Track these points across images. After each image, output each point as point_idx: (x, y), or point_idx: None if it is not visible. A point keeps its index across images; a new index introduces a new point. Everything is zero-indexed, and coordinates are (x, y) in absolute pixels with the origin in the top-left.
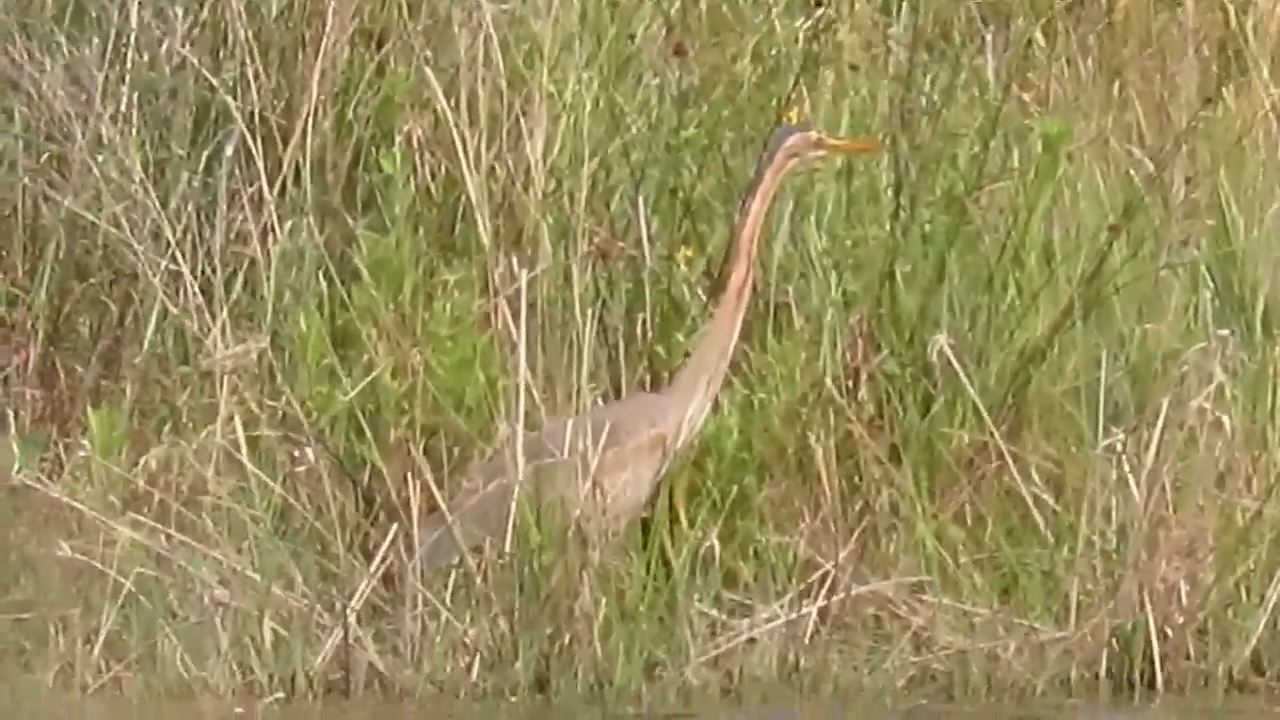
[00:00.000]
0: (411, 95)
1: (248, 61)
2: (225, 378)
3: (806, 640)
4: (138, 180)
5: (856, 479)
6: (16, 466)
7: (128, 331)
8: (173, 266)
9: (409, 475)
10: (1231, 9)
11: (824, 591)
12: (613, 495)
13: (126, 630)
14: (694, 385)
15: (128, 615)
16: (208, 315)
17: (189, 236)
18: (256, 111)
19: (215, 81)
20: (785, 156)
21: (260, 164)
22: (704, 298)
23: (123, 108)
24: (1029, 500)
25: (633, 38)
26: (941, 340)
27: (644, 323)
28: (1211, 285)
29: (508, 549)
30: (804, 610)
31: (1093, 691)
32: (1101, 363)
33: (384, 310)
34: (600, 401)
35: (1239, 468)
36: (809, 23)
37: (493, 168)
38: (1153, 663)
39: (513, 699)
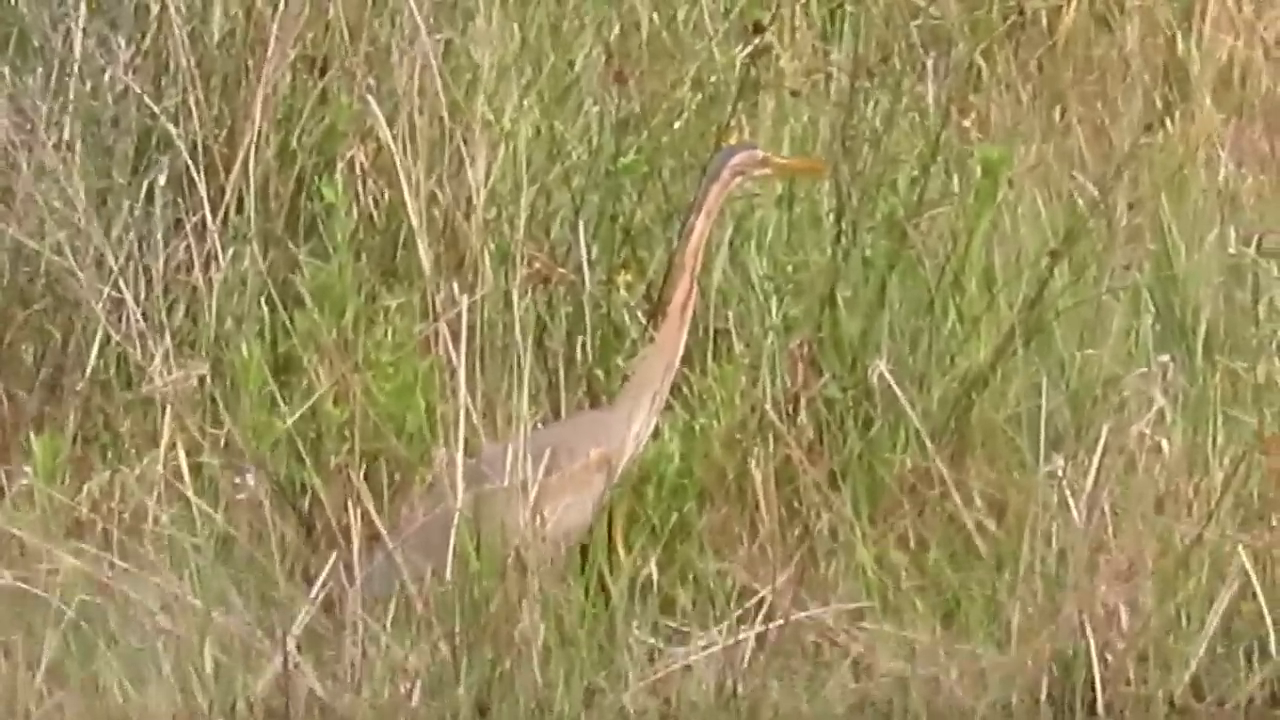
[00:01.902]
0: (353, 123)
1: (190, 89)
2: (167, 405)
3: (745, 666)
4: (80, 208)
5: (796, 504)
6: None
7: (70, 358)
8: (115, 294)
9: (349, 501)
10: (1174, 34)
11: (762, 617)
12: (557, 518)
13: (68, 657)
14: (639, 402)
15: (69, 642)
16: (150, 342)
17: (131, 264)
18: (199, 139)
19: (157, 109)
20: (730, 174)
21: (203, 191)
22: (644, 322)
23: (66, 136)
24: (970, 525)
25: (572, 65)
26: (881, 365)
27: (584, 347)
28: (1153, 310)
29: (448, 575)
30: (742, 636)
31: (1034, 716)
32: (1042, 388)
33: (326, 336)
34: (542, 424)
35: (1179, 492)
36: (749, 49)
37: (434, 194)
38: (1094, 687)
39: None
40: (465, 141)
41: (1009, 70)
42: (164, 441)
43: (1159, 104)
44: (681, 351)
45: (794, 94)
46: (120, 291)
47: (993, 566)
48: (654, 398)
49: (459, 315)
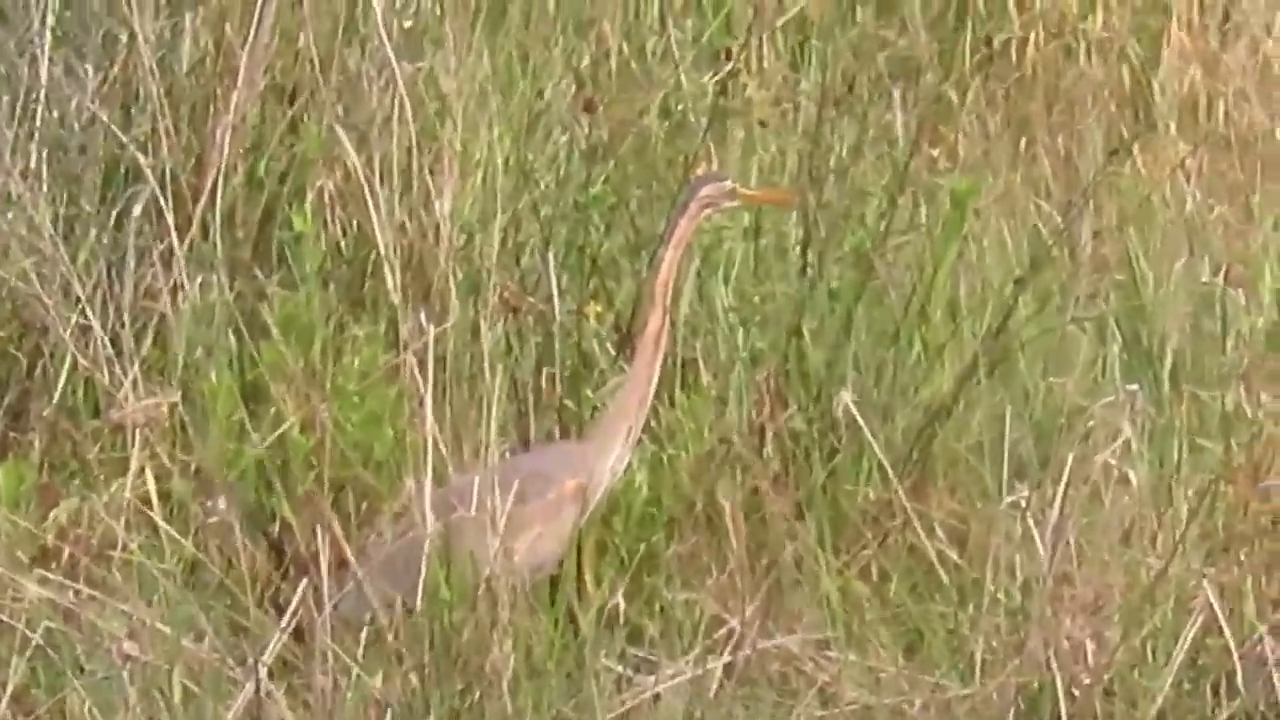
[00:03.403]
0: (322, 152)
1: (158, 118)
2: (136, 431)
3: (712, 696)
4: (47, 236)
5: (763, 535)
6: None
7: (37, 385)
8: (83, 321)
9: (318, 529)
10: (1141, 65)
11: (730, 647)
12: (529, 548)
13: (35, 684)
14: (615, 433)
15: (36, 669)
16: (118, 369)
17: (99, 291)
18: (167, 168)
19: (125, 138)
20: (699, 205)
21: (170, 220)
22: (612, 352)
23: (32, 164)
24: (934, 556)
25: (542, 94)
26: (846, 397)
27: (553, 377)
28: (1119, 340)
29: (418, 605)
30: (709, 666)
31: None
32: (1007, 418)
33: (294, 365)
34: (512, 453)
35: (1144, 524)
36: (717, 78)
37: (403, 224)
38: None
39: None
40: (433, 171)
41: (977, 101)
42: (132, 468)
43: (1125, 134)
44: (655, 384)
45: (762, 124)
46: (88, 319)
47: (956, 598)
48: (629, 430)
49: (427, 345)
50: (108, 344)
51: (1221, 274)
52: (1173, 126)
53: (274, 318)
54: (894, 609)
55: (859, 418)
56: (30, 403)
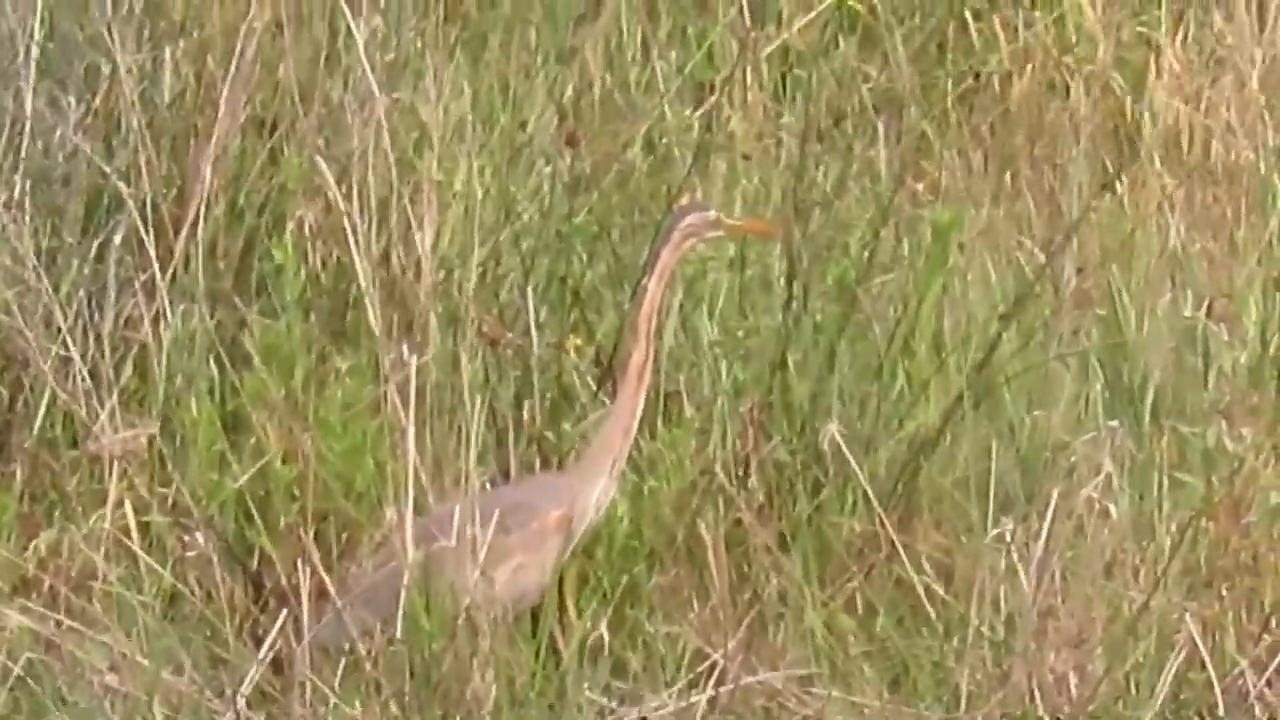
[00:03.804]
0: (303, 183)
1: (140, 149)
2: (115, 463)
3: None
4: (30, 266)
5: (746, 568)
6: None
7: (17, 416)
8: (63, 352)
9: (298, 561)
10: (1126, 100)
11: (713, 681)
12: (512, 578)
13: (16, 714)
14: (600, 466)
15: (17, 699)
16: (97, 400)
17: (80, 322)
18: (148, 199)
19: (108, 169)
20: (682, 236)
21: (152, 250)
22: (593, 385)
23: (15, 195)
24: (919, 590)
25: (524, 126)
26: (833, 429)
27: (533, 409)
28: (1102, 376)
29: (398, 635)
30: (693, 699)
31: None
32: (991, 452)
33: (275, 396)
34: (494, 483)
35: (1127, 558)
36: (700, 111)
37: (383, 256)
38: None
39: None
40: (414, 203)
41: (961, 135)
42: (112, 500)
43: (1110, 168)
44: (639, 417)
45: (745, 157)
46: (68, 350)
47: (941, 631)
48: (614, 463)
49: (408, 376)
50: (87, 376)
51: (1204, 308)
52: (1157, 161)
53: (255, 347)
54: (879, 643)
55: (845, 450)
56: (11, 434)
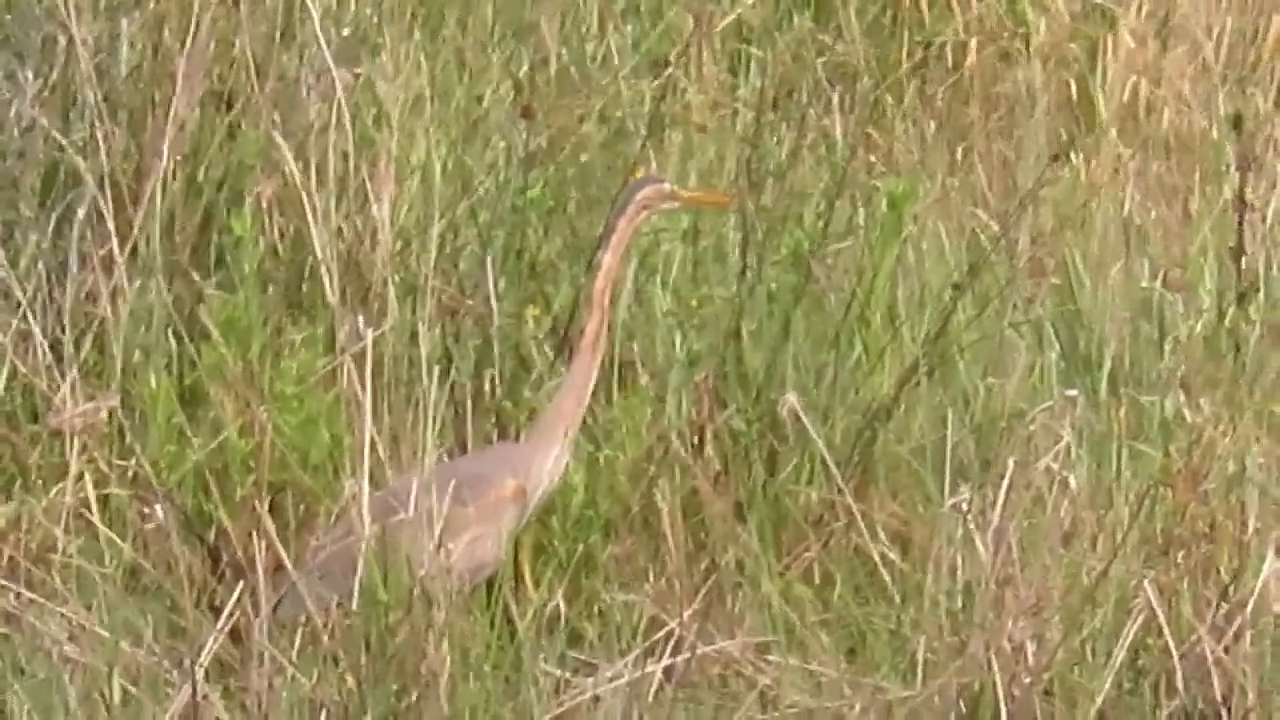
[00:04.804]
0: (260, 157)
1: (97, 123)
2: (75, 436)
3: (651, 699)
4: None
5: (703, 536)
6: None
7: None
8: (23, 326)
9: (255, 533)
10: (1080, 70)
11: (669, 650)
12: (469, 549)
13: None
14: (553, 434)
15: None
16: (57, 374)
17: (39, 296)
18: (106, 173)
19: (65, 143)
20: (637, 208)
21: (110, 225)
22: (551, 355)
23: None
24: (877, 559)
25: (480, 100)
26: (791, 398)
27: (491, 380)
28: (1057, 345)
29: (354, 607)
30: (649, 669)
31: None
32: (948, 421)
33: (232, 369)
34: (450, 455)
35: (1084, 527)
36: (656, 83)
37: (340, 228)
38: None
39: None
40: (371, 176)
41: (914, 105)
42: (71, 473)
43: (1064, 138)
44: (593, 386)
45: (701, 129)
46: (28, 323)
47: (898, 600)
48: (567, 431)
49: (365, 348)
50: (47, 350)
51: (1160, 278)
52: (1113, 131)
53: (213, 320)
54: (836, 611)
55: (804, 418)
56: None
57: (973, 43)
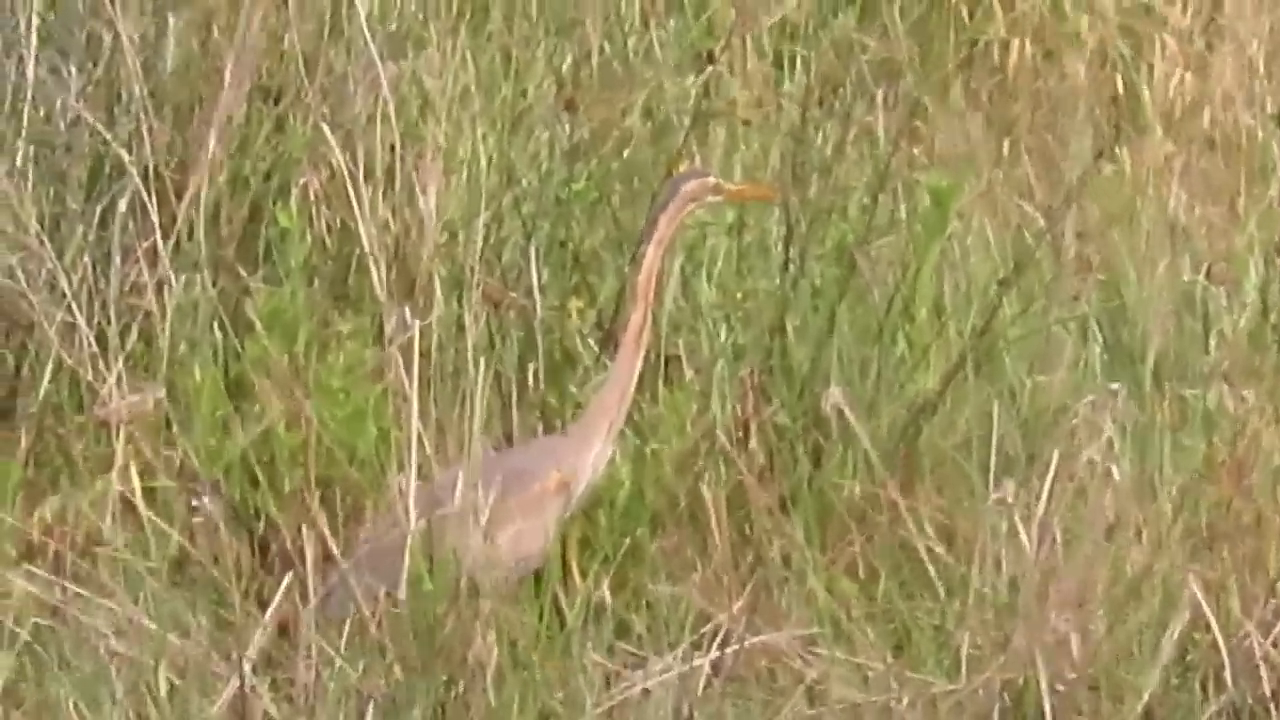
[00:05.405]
0: (307, 151)
1: (143, 117)
2: (121, 428)
3: (700, 692)
4: (33, 233)
5: (748, 530)
6: None
7: (23, 382)
8: (68, 318)
9: (303, 525)
10: (1126, 66)
11: (717, 643)
12: (514, 542)
13: (22, 680)
14: (597, 428)
15: (24, 664)
16: (103, 365)
17: (85, 288)
18: (151, 166)
19: (110, 136)
20: (682, 202)
21: (155, 218)
22: (595, 348)
23: (18, 162)
24: (921, 552)
25: (525, 93)
26: (836, 393)
27: (536, 372)
28: (1101, 339)
29: (402, 598)
30: (697, 662)
31: None
32: (993, 415)
33: (278, 361)
34: (495, 448)
35: (1128, 520)
36: (700, 78)
37: (387, 221)
38: (1045, 717)
39: None
40: (417, 169)
41: (959, 101)
42: (118, 465)
43: (1109, 134)
44: (637, 380)
45: (745, 123)
46: (73, 315)
47: (943, 594)
48: (610, 425)
49: (411, 340)
50: (92, 341)
51: (1204, 273)
52: (1158, 127)
53: (259, 313)
54: (881, 606)
55: (849, 413)
56: (16, 399)
57: (1015, 42)
